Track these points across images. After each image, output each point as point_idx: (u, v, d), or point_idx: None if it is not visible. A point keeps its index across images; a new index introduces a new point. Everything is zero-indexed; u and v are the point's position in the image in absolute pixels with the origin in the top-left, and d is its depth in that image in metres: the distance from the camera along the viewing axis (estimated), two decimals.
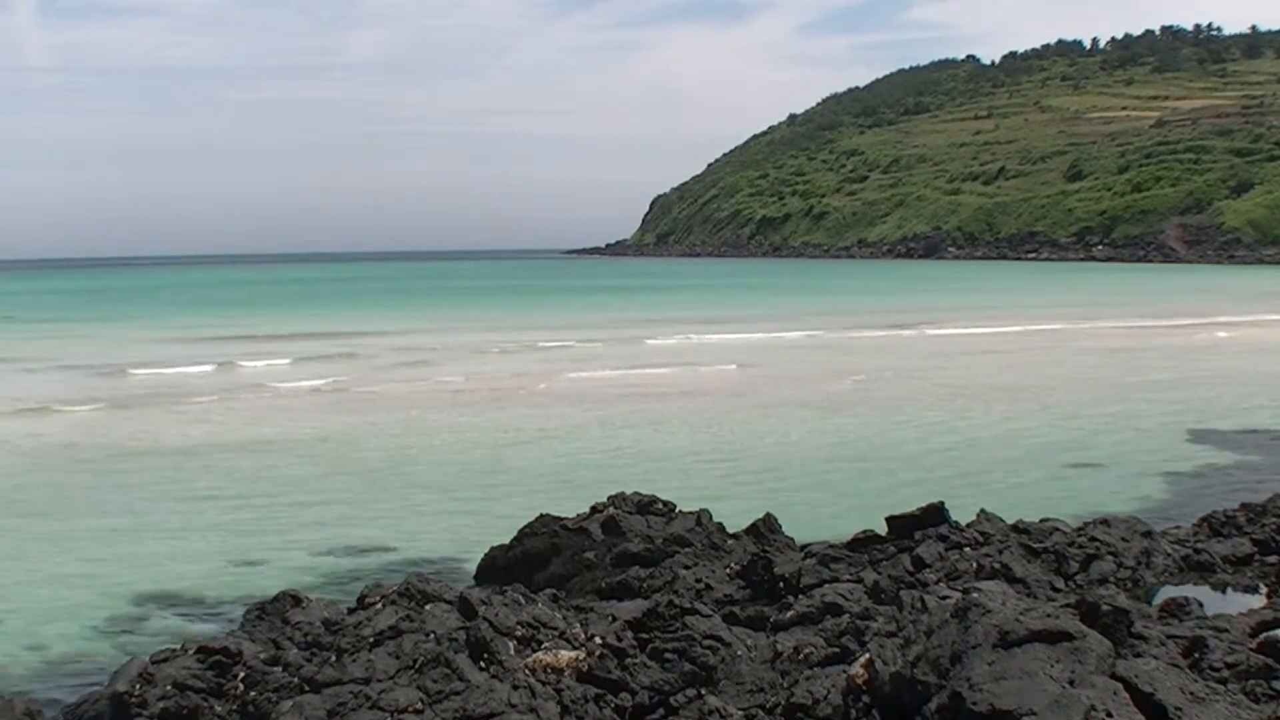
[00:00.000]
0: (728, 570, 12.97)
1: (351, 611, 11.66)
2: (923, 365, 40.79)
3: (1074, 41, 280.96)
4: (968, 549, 12.94)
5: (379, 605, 11.14)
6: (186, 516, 19.03)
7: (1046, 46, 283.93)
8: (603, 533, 14.59)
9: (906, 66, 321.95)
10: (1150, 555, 13.18)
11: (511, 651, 9.07)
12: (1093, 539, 13.29)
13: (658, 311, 71.57)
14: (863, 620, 9.78)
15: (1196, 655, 8.48)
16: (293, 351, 47.19)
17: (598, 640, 9.31)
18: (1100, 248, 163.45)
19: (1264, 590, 12.17)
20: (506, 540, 15.06)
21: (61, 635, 13.32)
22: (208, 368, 42.10)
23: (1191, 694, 7.10)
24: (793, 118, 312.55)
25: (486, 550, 15.25)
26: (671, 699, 8.54)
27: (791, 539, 14.34)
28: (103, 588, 15.13)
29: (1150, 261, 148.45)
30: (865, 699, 7.82)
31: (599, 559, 14.14)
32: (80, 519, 19.00)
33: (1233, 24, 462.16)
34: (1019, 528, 13.70)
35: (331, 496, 20.47)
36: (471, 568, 15.32)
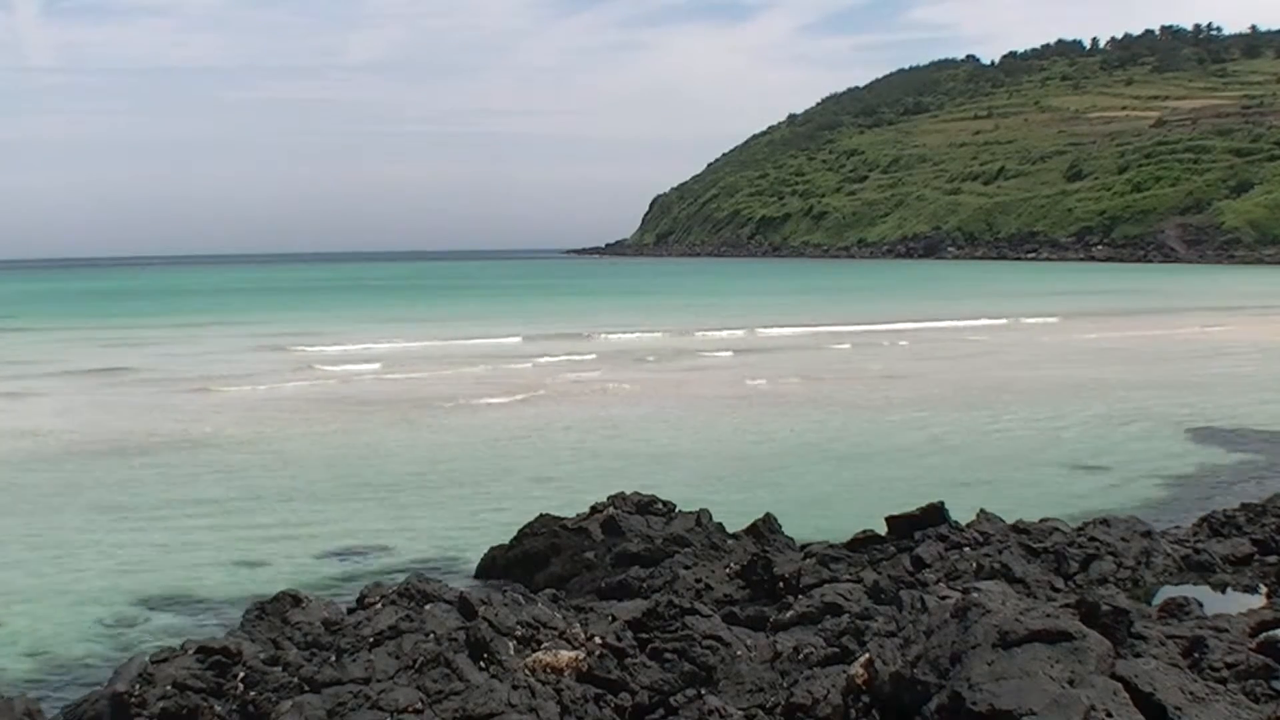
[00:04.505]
0: (728, 570, 12.97)
1: (351, 611, 11.65)
2: (922, 366, 40.80)
3: (1074, 41, 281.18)
4: (968, 549, 12.94)
5: (379, 605, 11.14)
6: (187, 516, 19.03)
7: (1046, 46, 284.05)
8: (603, 533, 14.61)
9: (906, 66, 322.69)
10: (1150, 555, 13.18)
11: (511, 651, 9.07)
12: (1092, 539, 13.28)
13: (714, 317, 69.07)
14: (863, 620, 9.77)
15: (1196, 655, 8.48)
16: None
17: (598, 640, 9.31)
18: (1100, 248, 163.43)
19: (1264, 590, 12.16)
20: (506, 540, 15.08)
21: (61, 635, 13.31)
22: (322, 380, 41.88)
23: (1191, 694, 7.10)
24: (793, 118, 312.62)
25: (486, 550, 15.27)
26: (671, 699, 8.54)
27: (791, 539, 14.35)
28: (103, 588, 15.13)
29: (1150, 261, 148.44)
30: (865, 699, 7.82)
31: (599, 559, 14.15)
32: (80, 518, 18.99)
33: (1233, 24, 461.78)
34: (1019, 528, 13.70)
35: (331, 496, 20.46)
36: (471, 568, 15.34)
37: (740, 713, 8.35)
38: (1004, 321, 59.64)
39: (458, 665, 8.76)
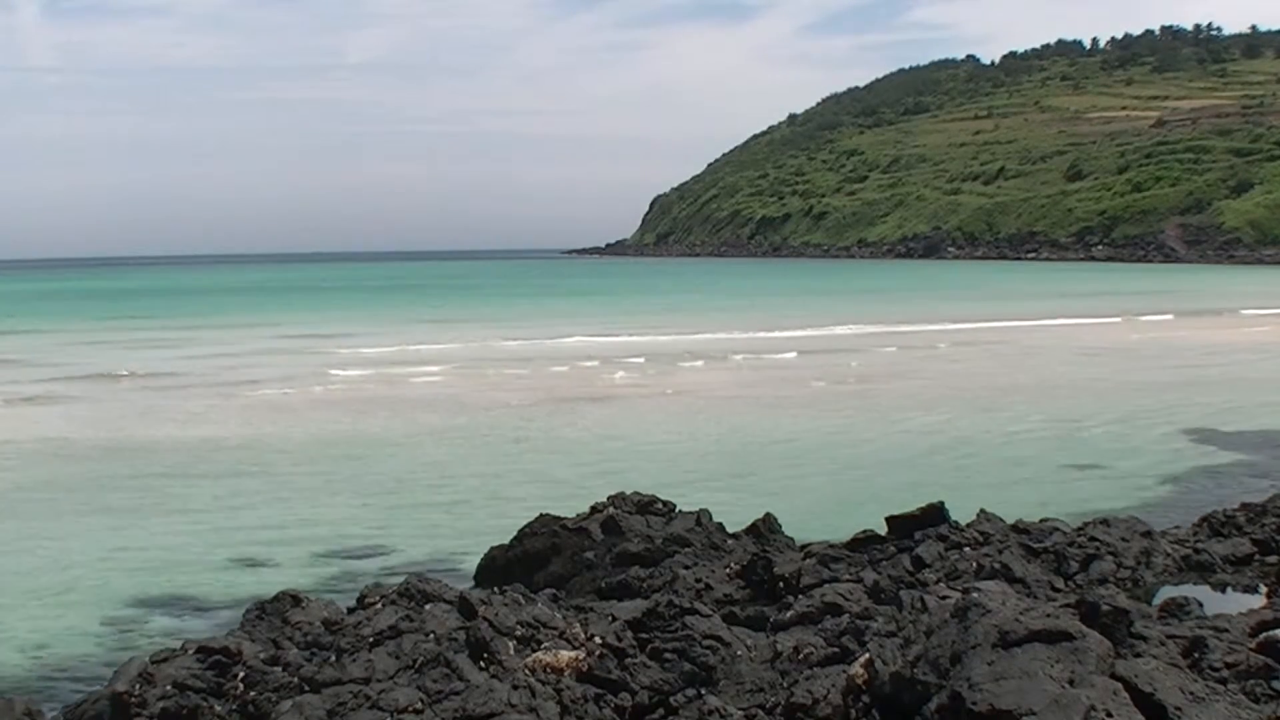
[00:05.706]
0: (728, 570, 12.96)
1: (351, 611, 11.65)
2: (922, 365, 40.80)
3: (1074, 41, 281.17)
4: (968, 549, 12.93)
5: (379, 605, 11.14)
6: (187, 516, 19.04)
7: (1046, 46, 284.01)
8: (603, 533, 14.59)
9: (906, 66, 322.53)
10: (1150, 555, 13.17)
11: (511, 651, 9.06)
12: (1093, 539, 13.27)
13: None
14: (863, 620, 9.77)
15: (1196, 655, 8.47)
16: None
17: (598, 640, 9.30)
18: (1100, 248, 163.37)
19: (1264, 590, 12.15)
20: (506, 540, 15.07)
21: (61, 635, 13.32)
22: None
23: (1191, 694, 7.10)
24: (793, 118, 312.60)
25: (486, 550, 15.26)
26: (671, 699, 8.54)
27: (791, 539, 14.34)
28: (103, 588, 15.14)
29: (1150, 261, 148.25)
30: (865, 699, 7.81)
31: (599, 559, 14.14)
32: (80, 519, 19.00)
33: (1233, 24, 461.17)
34: (1019, 528, 13.69)
35: (332, 496, 20.47)
36: (471, 568, 15.32)
37: (740, 713, 8.34)
38: (1032, 324, 58.76)
39: (458, 665, 8.75)
